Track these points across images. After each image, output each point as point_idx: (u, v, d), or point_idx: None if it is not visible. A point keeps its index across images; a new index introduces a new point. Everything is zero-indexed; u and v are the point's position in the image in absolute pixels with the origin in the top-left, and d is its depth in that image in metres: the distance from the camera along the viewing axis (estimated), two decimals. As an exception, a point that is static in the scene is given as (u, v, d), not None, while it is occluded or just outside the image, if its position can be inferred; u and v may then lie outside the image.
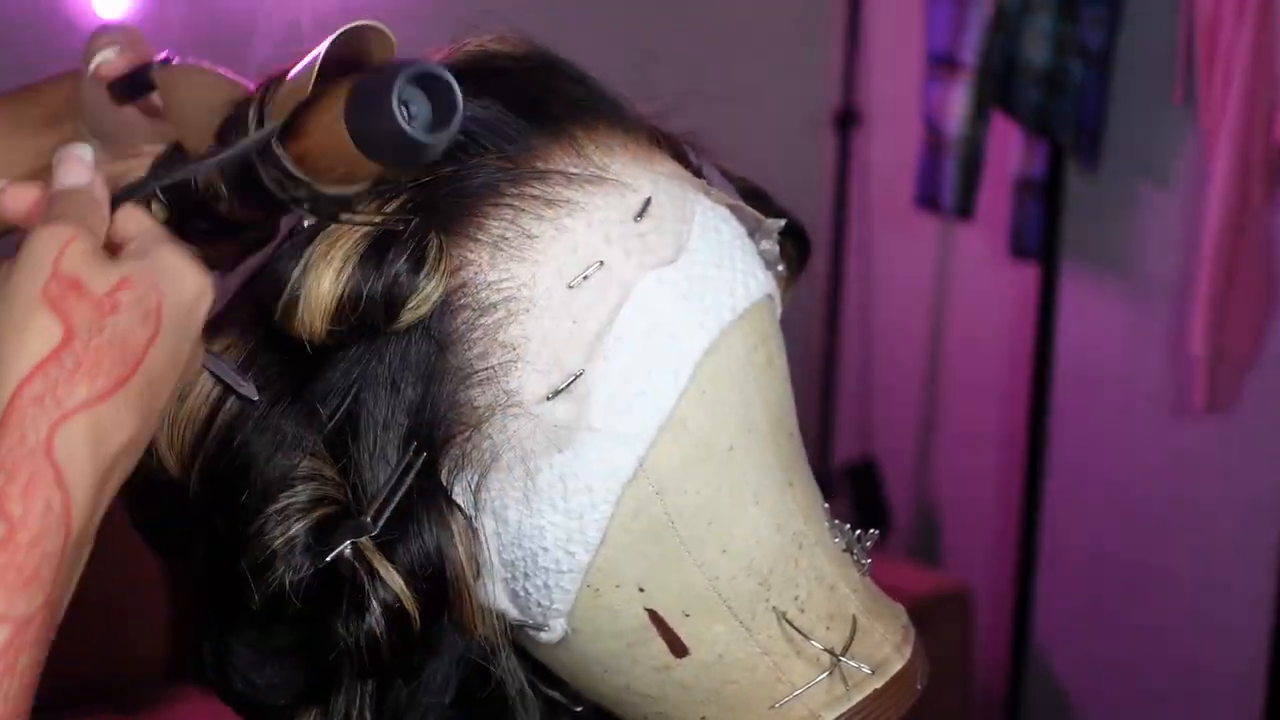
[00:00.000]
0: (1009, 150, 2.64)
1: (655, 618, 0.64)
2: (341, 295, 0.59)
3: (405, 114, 0.57)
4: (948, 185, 2.59)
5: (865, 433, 3.15)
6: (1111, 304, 2.66)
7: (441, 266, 0.59)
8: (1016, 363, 2.77)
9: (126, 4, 2.53)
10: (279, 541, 0.60)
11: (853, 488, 2.97)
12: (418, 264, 0.59)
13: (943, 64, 2.57)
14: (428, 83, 0.58)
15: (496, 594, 0.64)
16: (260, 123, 0.60)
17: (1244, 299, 2.31)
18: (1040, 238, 2.54)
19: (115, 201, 0.60)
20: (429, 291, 0.59)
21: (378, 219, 0.60)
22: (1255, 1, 2.22)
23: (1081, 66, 2.42)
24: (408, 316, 0.59)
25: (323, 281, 0.59)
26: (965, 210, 2.60)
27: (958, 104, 2.54)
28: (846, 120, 3.02)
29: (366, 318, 0.59)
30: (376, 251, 0.59)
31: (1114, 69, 2.44)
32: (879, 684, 0.67)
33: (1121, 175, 2.56)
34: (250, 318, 0.64)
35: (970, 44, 2.51)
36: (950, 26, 2.55)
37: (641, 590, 0.63)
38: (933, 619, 2.48)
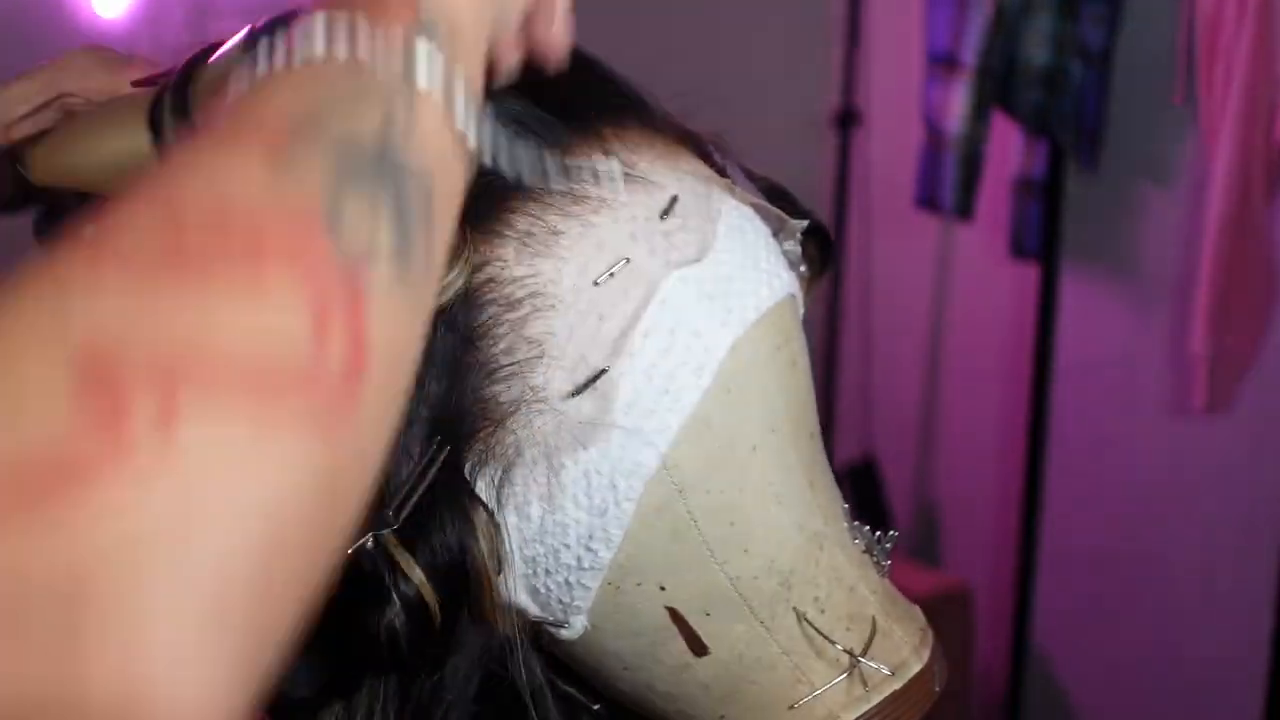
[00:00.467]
0: (1009, 150, 2.64)
1: (676, 616, 0.64)
2: None
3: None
4: (948, 185, 2.59)
5: (865, 433, 3.16)
6: (1111, 304, 2.66)
7: (464, 256, 0.59)
8: (1016, 363, 2.77)
9: (126, 4, 2.52)
10: None
11: (853, 488, 2.97)
12: None
13: (943, 64, 2.57)
14: None
15: (517, 590, 0.64)
16: None
17: (1244, 299, 2.31)
18: (1040, 238, 2.54)
19: None
20: (450, 280, 0.59)
21: None
22: (1256, 1, 2.23)
23: (1081, 66, 2.43)
24: None
25: None
26: (965, 210, 2.60)
27: (958, 104, 2.54)
28: (846, 120, 3.02)
29: None
30: None
31: (1114, 69, 2.44)
32: (898, 685, 0.67)
33: (1121, 175, 2.56)
34: None
35: (970, 44, 2.51)
36: (950, 26, 2.55)
37: (663, 588, 0.63)
38: (933, 619, 2.46)
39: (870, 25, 3.00)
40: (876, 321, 3.13)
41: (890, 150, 2.97)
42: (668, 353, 0.61)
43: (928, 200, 2.65)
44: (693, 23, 2.82)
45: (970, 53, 2.51)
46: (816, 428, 0.68)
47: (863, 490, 2.97)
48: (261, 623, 0.38)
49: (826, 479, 0.68)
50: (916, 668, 0.68)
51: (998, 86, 2.50)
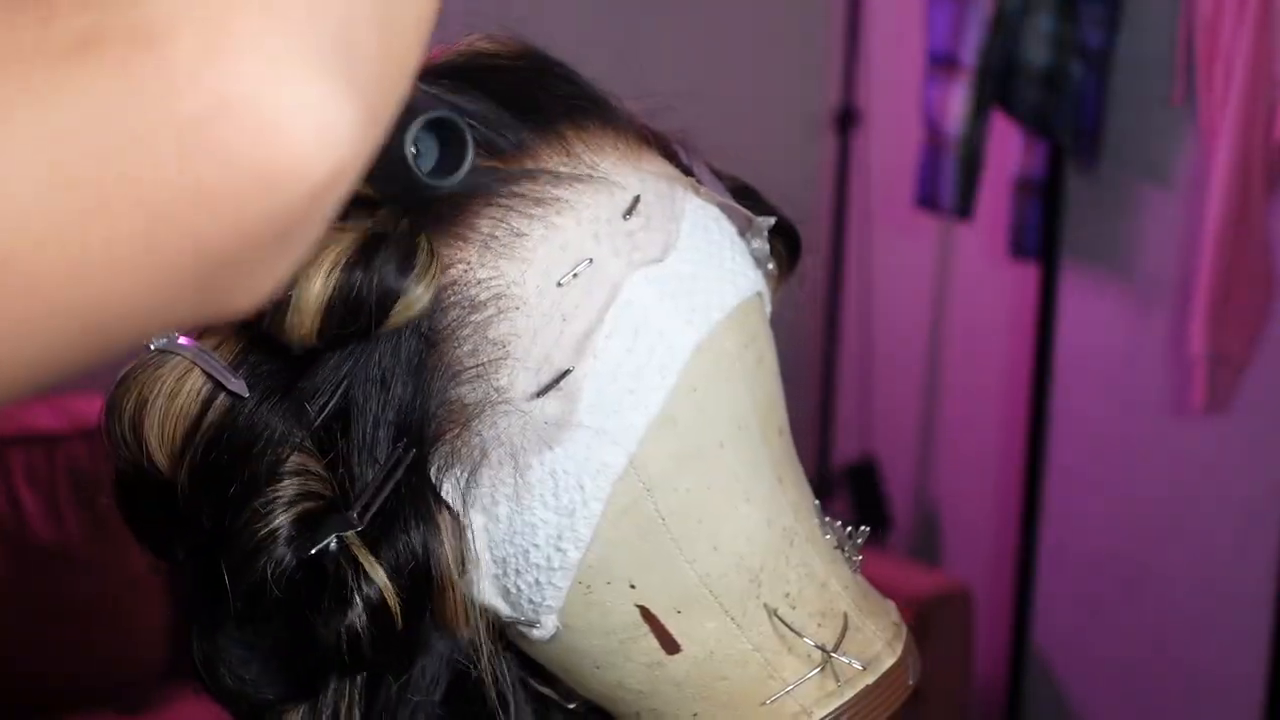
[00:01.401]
0: (1009, 150, 2.64)
1: (647, 614, 0.64)
2: (330, 297, 0.59)
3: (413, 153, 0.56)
4: (947, 185, 2.59)
5: (865, 433, 3.16)
6: (1111, 304, 2.66)
7: (431, 270, 0.59)
8: (1016, 363, 2.77)
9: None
10: (261, 534, 0.60)
11: (853, 488, 2.97)
12: (406, 267, 0.59)
13: (942, 64, 2.57)
14: (439, 127, 0.57)
15: (487, 591, 0.64)
16: None
17: (1243, 299, 2.31)
18: (1040, 238, 2.54)
19: None
20: (418, 294, 0.59)
21: (368, 222, 0.60)
22: (1255, 1, 2.22)
23: (1081, 66, 2.43)
24: (396, 319, 0.59)
25: (312, 284, 0.59)
26: (965, 210, 2.60)
27: (957, 104, 2.54)
28: (846, 120, 3.03)
29: (356, 320, 0.59)
30: (366, 254, 0.59)
31: (1114, 69, 2.44)
32: (870, 680, 0.67)
33: (1121, 175, 2.56)
34: (242, 320, 0.63)
35: (970, 44, 2.51)
36: (950, 26, 2.55)
37: (633, 587, 0.64)
38: (933, 619, 2.48)
39: (870, 25, 3.00)
40: (876, 321, 3.13)
41: (890, 150, 2.97)
42: (632, 353, 0.62)
43: (927, 200, 2.65)
44: (693, 24, 2.82)
45: (970, 53, 2.51)
46: (785, 424, 0.68)
47: (862, 490, 2.97)
48: (380, 52, 0.33)
49: (796, 475, 0.68)
50: (889, 662, 0.68)
51: (998, 86, 2.50)
